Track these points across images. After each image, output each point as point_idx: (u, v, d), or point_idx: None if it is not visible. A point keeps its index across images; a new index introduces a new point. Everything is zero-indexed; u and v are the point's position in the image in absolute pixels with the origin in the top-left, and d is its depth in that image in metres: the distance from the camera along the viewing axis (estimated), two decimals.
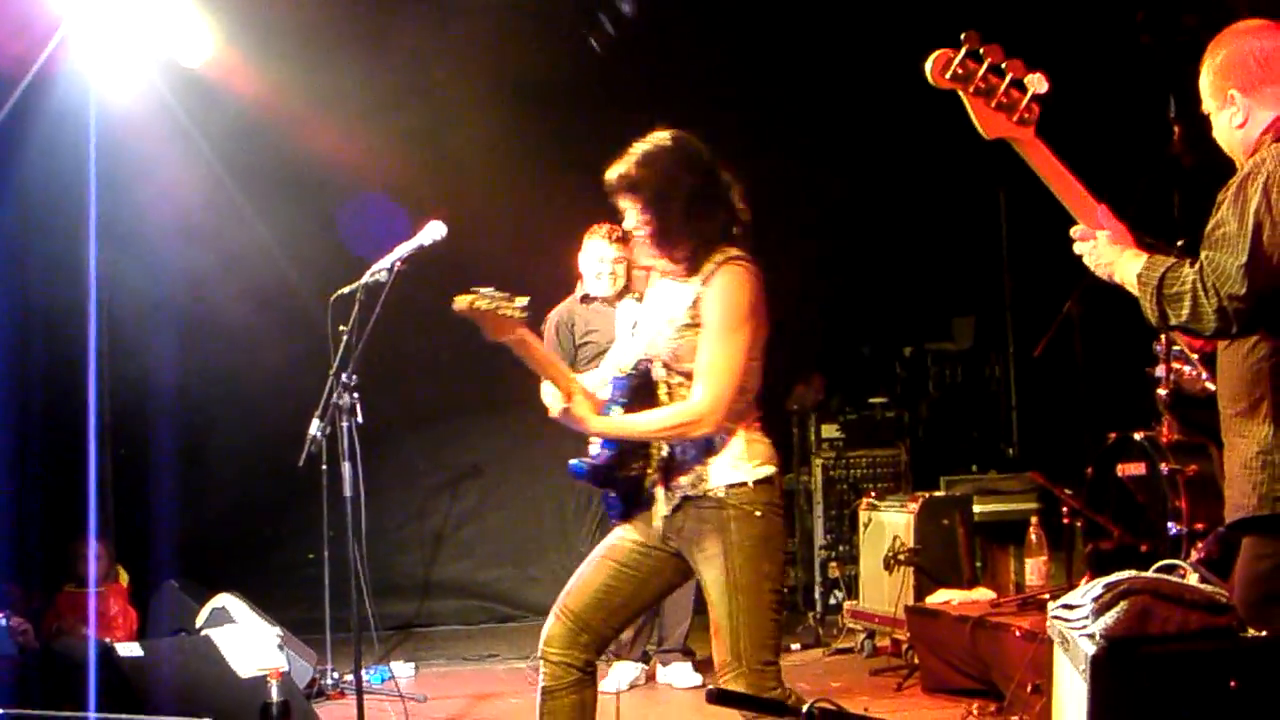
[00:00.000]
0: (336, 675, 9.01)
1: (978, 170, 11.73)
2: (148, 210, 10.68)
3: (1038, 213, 10.82)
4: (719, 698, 3.19)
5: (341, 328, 6.94)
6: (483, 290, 4.85)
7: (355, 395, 6.88)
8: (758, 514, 5.04)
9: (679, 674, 8.87)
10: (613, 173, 5.17)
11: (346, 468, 6.99)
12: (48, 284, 10.08)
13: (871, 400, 11.48)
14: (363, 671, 7.26)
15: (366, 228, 10.00)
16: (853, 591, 10.07)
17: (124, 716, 5.16)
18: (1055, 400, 11.01)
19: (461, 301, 4.83)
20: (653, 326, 5.26)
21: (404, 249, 5.60)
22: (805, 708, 3.09)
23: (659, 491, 5.18)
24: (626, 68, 11.36)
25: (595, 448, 5.28)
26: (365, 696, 7.01)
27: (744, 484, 5.05)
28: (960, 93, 4.27)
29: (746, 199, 5.25)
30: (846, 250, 12.14)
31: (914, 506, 9.33)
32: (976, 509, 9.81)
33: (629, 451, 5.20)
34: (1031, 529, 8.61)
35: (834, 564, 10.68)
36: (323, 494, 8.48)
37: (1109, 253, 4.50)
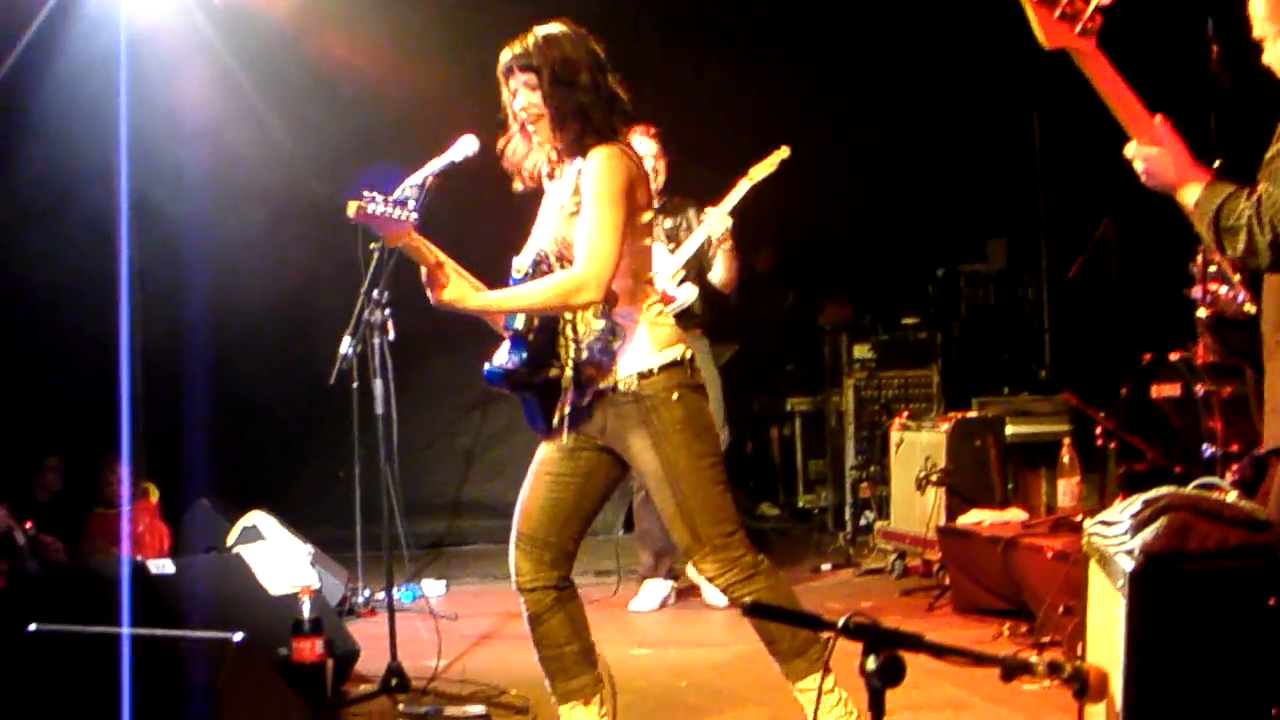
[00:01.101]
0: (368, 593, 9.04)
1: (1012, 91, 11.68)
2: (177, 129, 10.67)
3: (1072, 134, 10.82)
4: (754, 610, 3.17)
5: (372, 245, 6.90)
6: (371, 195, 4.92)
7: (387, 312, 6.85)
8: (674, 397, 5.09)
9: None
10: (510, 52, 5.21)
11: (378, 385, 6.96)
12: (78, 203, 10.08)
13: (904, 321, 11.44)
14: (394, 589, 7.26)
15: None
16: (883, 512, 10.05)
17: (157, 631, 5.16)
18: (1089, 322, 10.95)
19: (351, 207, 4.89)
20: (544, 220, 5.33)
21: (436, 164, 5.50)
22: (841, 621, 3.07)
23: (572, 389, 5.16)
24: None
25: (502, 352, 5.24)
26: (396, 614, 7.02)
27: (651, 370, 5.09)
28: (1023, 2, 4.18)
29: (627, 88, 5.28)
30: (880, 171, 12.08)
31: (946, 427, 9.31)
32: (1009, 430, 9.77)
33: (541, 355, 5.17)
34: (1064, 450, 8.57)
35: (865, 484, 10.66)
36: (353, 412, 8.47)
37: (1166, 170, 4.40)
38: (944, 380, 11.32)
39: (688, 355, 5.17)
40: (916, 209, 12.16)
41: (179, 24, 10.52)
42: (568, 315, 5.14)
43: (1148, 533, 3.75)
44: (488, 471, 11.97)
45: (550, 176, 5.35)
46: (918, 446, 9.44)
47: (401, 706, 6.49)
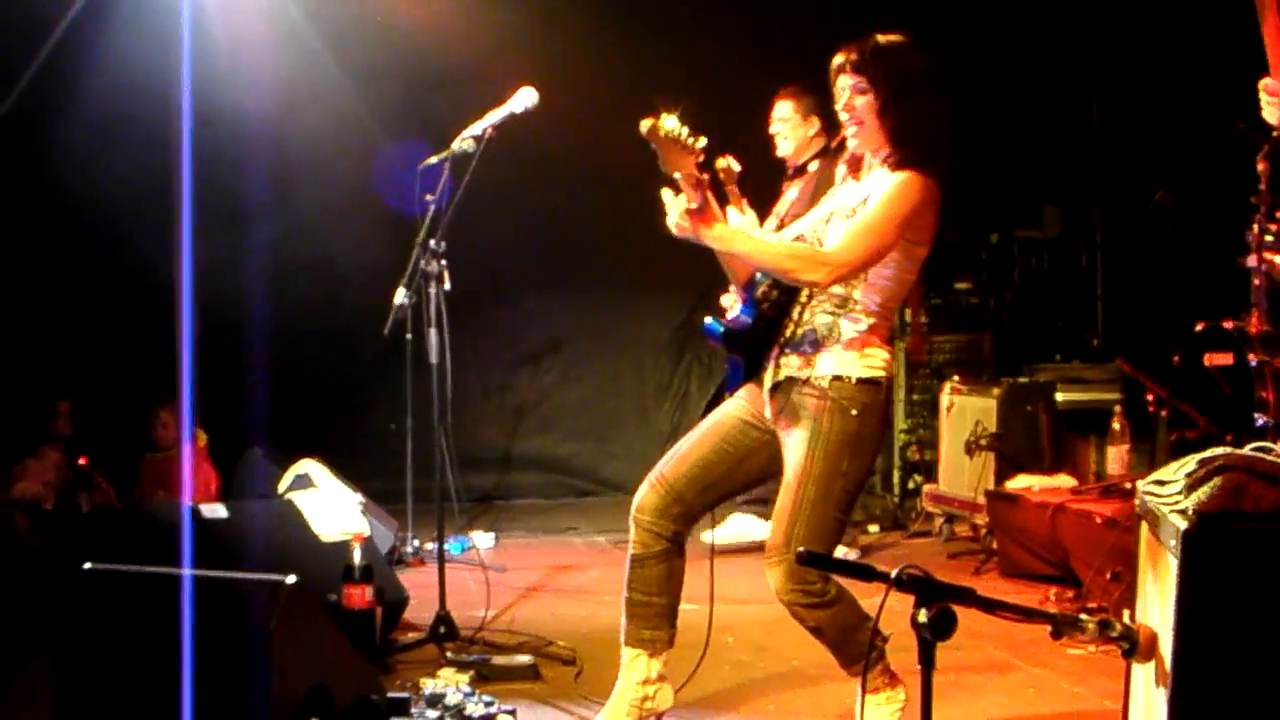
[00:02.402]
0: (417, 543, 9.09)
1: (1070, 58, 11.63)
2: (239, 78, 10.70)
3: (1130, 102, 10.77)
4: (809, 559, 3.20)
5: (428, 196, 6.92)
6: (668, 115, 4.83)
7: (443, 263, 6.88)
8: (854, 412, 5.08)
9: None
10: (845, 55, 5.17)
11: (433, 334, 6.99)
12: (139, 152, 10.13)
13: (956, 285, 11.41)
14: (444, 540, 7.31)
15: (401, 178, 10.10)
16: (932, 475, 10.05)
17: (210, 572, 5.21)
18: (1142, 290, 10.92)
19: (645, 124, 4.81)
20: (820, 213, 5.31)
21: (494, 116, 5.56)
22: (894, 573, 3.10)
23: (771, 365, 5.22)
24: None
25: (734, 312, 5.31)
26: (445, 565, 7.07)
27: (849, 379, 5.09)
28: None
29: (951, 125, 5.27)
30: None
31: (997, 392, 9.31)
32: (1059, 397, 9.76)
33: (765, 325, 5.24)
34: (1115, 417, 8.58)
35: (914, 447, 10.67)
36: (407, 363, 8.50)
37: None
38: (996, 345, 11.29)
39: (887, 381, 5.18)
40: (971, 175, 12.11)
41: None
42: (801, 298, 5.21)
43: (1201, 492, 3.75)
44: (539, 426, 12.01)
45: (852, 176, 5.34)
46: (968, 411, 9.44)
47: (449, 654, 6.55)
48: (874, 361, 5.14)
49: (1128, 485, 7.82)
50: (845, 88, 5.16)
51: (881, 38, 5.17)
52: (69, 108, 10.30)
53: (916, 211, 5.05)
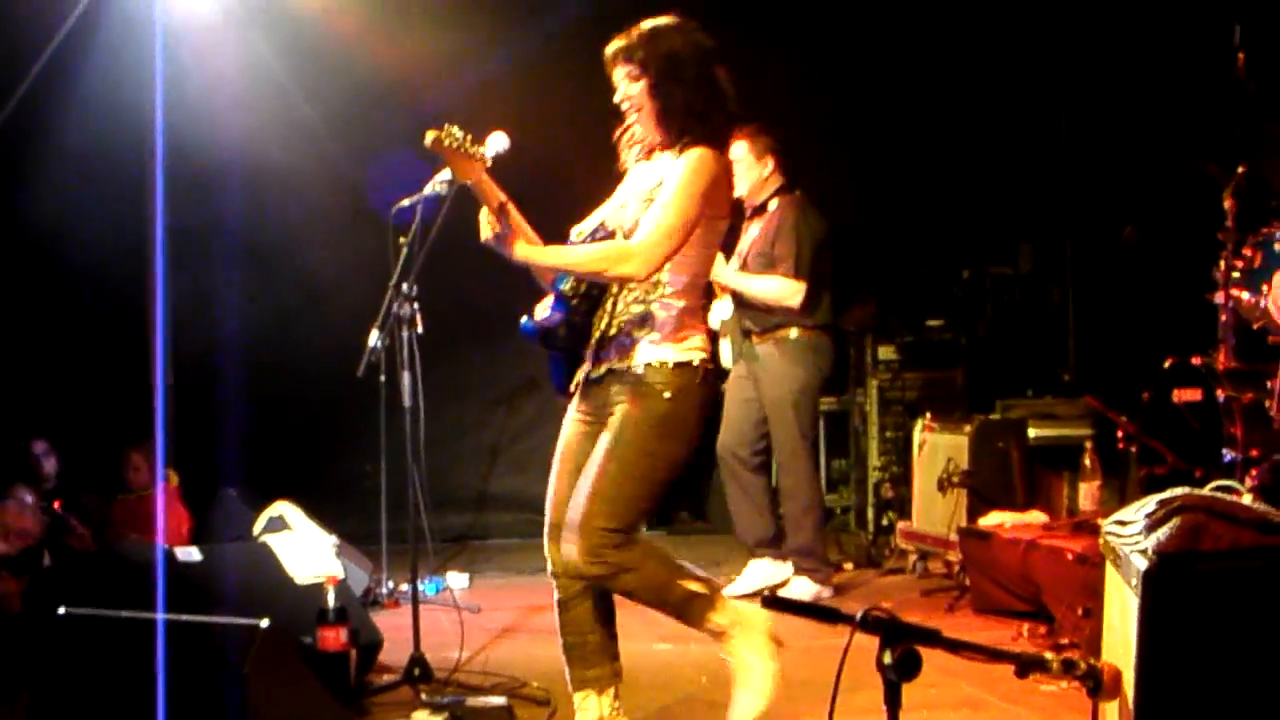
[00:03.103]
0: (391, 585, 9.09)
1: (1040, 95, 11.70)
2: (211, 116, 10.74)
3: (1099, 139, 10.84)
4: (773, 603, 3.23)
5: (401, 239, 6.96)
6: (450, 128, 5.01)
7: (415, 306, 6.91)
8: (666, 394, 5.15)
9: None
10: (618, 44, 5.27)
11: (406, 377, 7.02)
12: (113, 197, 10.16)
13: (929, 322, 11.46)
14: (418, 581, 7.32)
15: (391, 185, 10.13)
16: (905, 512, 10.07)
17: (184, 616, 5.23)
18: (1112, 326, 10.98)
19: (429, 136, 4.97)
20: (620, 199, 5.41)
21: None
22: (859, 615, 3.13)
23: (590, 361, 5.33)
24: None
25: (545, 310, 5.35)
26: (420, 606, 7.08)
27: (664, 363, 5.17)
28: None
29: (739, 93, 5.35)
30: (906, 174, 12.12)
31: (969, 429, 9.33)
32: (1031, 433, 9.79)
33: (578, 320, 5.30)
34: (1086, 454, 8.61)
35: (887, 485, 10.69)
36: (380, 405, 8.52)
37: None
38: (968, 382, 11.34)
39: (704, 364, 5.24)
40: (942, 212, 12.18)
41: (214, 8, 10.62)
42: (612, 290, 5.28)
43: (1161, 532, 3.80)
44: (513, 466, 12.01)
45: (644, 159, 5.42)
46: (941, 448, 9.47)
47: (424, 696, 6.53)
48: (690, 344, 5.22)
49: (1099, 521, 7.85)
50: (621, 77, 5.27)
51: (650, 23, 5.27)
52: (44, 142, 10.34)
53: (714, 185, 5.15)
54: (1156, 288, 9.71)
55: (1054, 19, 11.44)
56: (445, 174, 5.62)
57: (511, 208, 5.19)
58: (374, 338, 7.33)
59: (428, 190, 6.73)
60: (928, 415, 9.98)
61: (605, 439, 5.19)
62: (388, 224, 7.00)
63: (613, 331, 5.25)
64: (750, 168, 8.63)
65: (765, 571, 8.98)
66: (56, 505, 8.82)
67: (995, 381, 11.34)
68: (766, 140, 8.68)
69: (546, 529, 5.46)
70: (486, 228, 5.15)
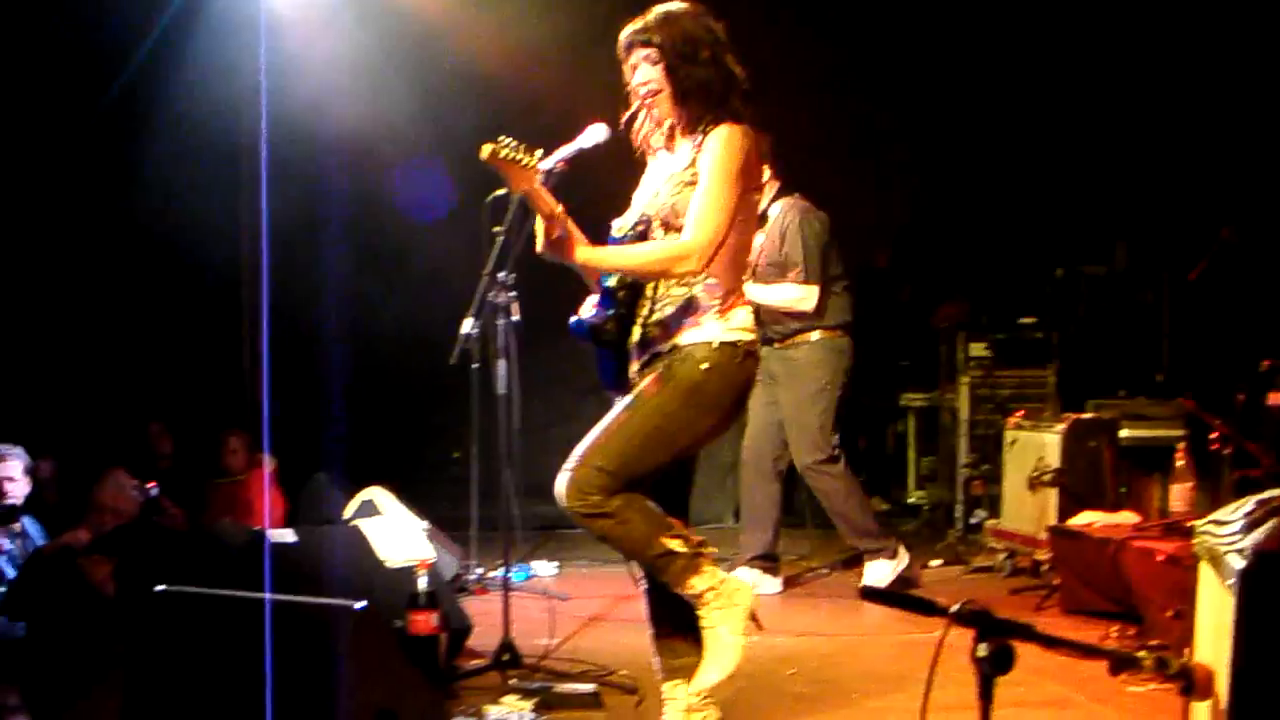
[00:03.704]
0: (480, 571, 9.15)
1: (1138, 95, 11.63)
2: (315, 110, 10.83)
3: (1197, 136, 10.77)
4: (871, 595, 3.24)
5: (496, 228, 6.98)
6: (505, 140, 5.04)
7: (513, 294, 6.93)
8: (703, 365, 5.18)
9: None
10: (632, 29, 5.31)
11: (501, 365, 7.05)
12: (216, 186, 10.27)
13: (1021, 320, 11.40)
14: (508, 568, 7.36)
15: (418, 193, 10.20)
16: (995, 510, 10.05)
17: (279, 596, 5.27)
18: (1208, 327, 10.89)
19: (485, 150, 5.00)
20: (652, 187, 5.41)
21: (565, 151, 5.58)
22: (955, 608, 3.13)
23: (636, 348, 5.36)
24: None
25: (592, 308, 5.43)
26: (510, 593, 7.13)
27: (708, 342, 5.20)
28: None
29: (749, 71, 5.36)
30: (999, 170, 12.09)
31: (1061, 427, 9.28)
32: (1123, 433, 9.73)
33: (626, 313, 5.33)
34: (1179, 455, 8.54)
35: (977, 482, 10.63)
36: (472, 393, 8.56)
37: None
38: (1060, 381, 11.29)
39: (746, 345, 5.27)
40: (1036, 210, 12.13)
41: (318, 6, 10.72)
42: None
43: (1259, 532, 3.79)
44: None
45: (666, 148, 5.43)
46: (1031, 446, 9.43)
47: (513, 681, 6.57)
48: (736, 325, 5.25)
49: (1190, 523, 7.79)
50: (638, 61, 5.30)
51: (663, 7, 5.32)
52: (149, 133, 10.46)
53: (745, 160, 5.18)
54: (1253, 289, 9.62)
55: (1154, 12, 11.36)
56: (543, 164, 5.62)
57: (563, 214, 5.23)
58: (467, 325, 7.37)
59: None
60: (1019, 413, 9.94)
61: (628, 397, 5.27)
62: (484, 212, 7.04)
63: (655, 317, 5.27)
64: None
65: (748, 581, 9.00)
66: (152, 486, 8.89)
67: (1087, 381, 11.28)
68: (763, 144, 8.71)
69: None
70: (541, 237, 5.24)
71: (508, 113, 10.82)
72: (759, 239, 8.64)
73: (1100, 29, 11.54)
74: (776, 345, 8.85)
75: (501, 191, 6.86)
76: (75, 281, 10.82)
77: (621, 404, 5.28)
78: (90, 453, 9.41)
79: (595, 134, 5.45)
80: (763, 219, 8.70)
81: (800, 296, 8.76)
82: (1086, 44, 11.63)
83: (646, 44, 5.25)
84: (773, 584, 8.99)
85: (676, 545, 5.24)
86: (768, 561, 9.03)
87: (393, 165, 10.99)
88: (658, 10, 5.32)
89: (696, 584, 5.28)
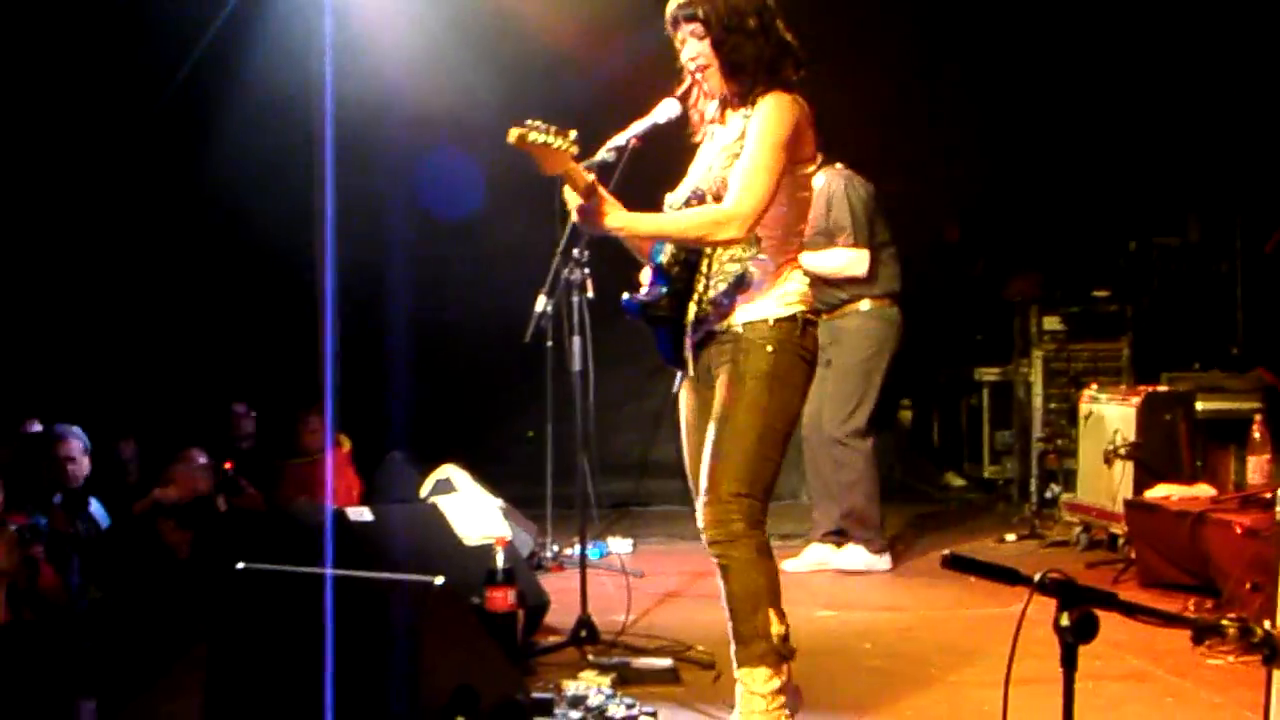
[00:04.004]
0: (556, 549, 9.19)
1: (1212, 65, 11.55)
2: (381, 88, 10.87)
3: (1270, 107, 10.70)
4: (954, 562, 3.24)
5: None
6: (533, 123, 4.94)
7: (586, 270, 6.94)
8: (769, 349, 5.12)
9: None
10: (677, 2, 5.23)
11: (576, 342, 7.06)
12: (284, 161, 10.32)
13: (1094, 293, 11.36)
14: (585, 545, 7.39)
15: (443, 183, 10.21)
16: (1070, 484, 10.02)
17: (359, 573, 5.32)
18: None
19: (513, 134, 4.92)
20: (706, 161, 5.35)
21: (638, 127, 5.57)
22: (1038, 576, 3.14)
23: (692, 324, 5.26)
24: None
25: (646, 284, 5.36)
26: (586, 570, 7.16)
27: (764, 320, 5.14)
28: None
29: (798, 38, 5.27)
30: (1072, 143, 12.04)
31: (1136, 400, 9.22)
32: (1199, 406, 9.66)
33: (680, 290, 5.25)
34: (1255, 426, 8.52)
35: (1052, 456, 10.59)
36: (547, 370, 8.59)
37: None
38: (1134, 354, 11.23)
39: (803, 316, 5.19)
40: (1109, 182, 12.08)
41: None
42: (707, 252, 5.21)
43: None
44: (676, 433, 11.93)
45: (719, 121, 5.38)
46: (1106, 419, 9.39)
47: (590, 657, 6.61)
48: (791, 298, 5.18)
49: (1268, 495, 7.76)
50: (685, 36, 5.24)
51: None
52: (217, 116, 10.54)
53: (794, 131, 5.10)
54: None
55: None
56: (616, 140, 5.62)
57: (599, 187, 5.18)
58: (541, 302, 7.40)
59: (598, 157, 6.77)
60: (1094, 386, 9.90)
61: (717, 405, 5.18)
62: (556, 189, 7.06)
63: (710, 294, 5.20)
64: None
65: (821, 556, 9.01)
66: (228, 466, 8.96)
67: (1162, 353, 11.22)
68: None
69: (697, 504, 5.37)
70: (573, 209, 5.19)
71: (578, 90, 10.84)
72: None
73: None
74: (825, 316, 8.84)
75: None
76: (156, 268, 10.92)
77: (714, 417, 5.17)
78: (172, 433, 9.47)
79: (668, 109, 5.44)
80: None
81: (852, 259, 8.76)
82: (1159, 13, 11.55)
83: (692, 18, 5.19)
84: (843, 557, 8.98)
85: (775, 629, 5.16)
86: (839, 536, 9.03)
87: (461, 144, 10.99)
88: None
89: (758, 677, 5.17)
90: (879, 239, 8.92)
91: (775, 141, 5.05)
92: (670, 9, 5.26)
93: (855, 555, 8.97)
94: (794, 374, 5.19)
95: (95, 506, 8.29)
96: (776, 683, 5.16)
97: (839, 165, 8.93)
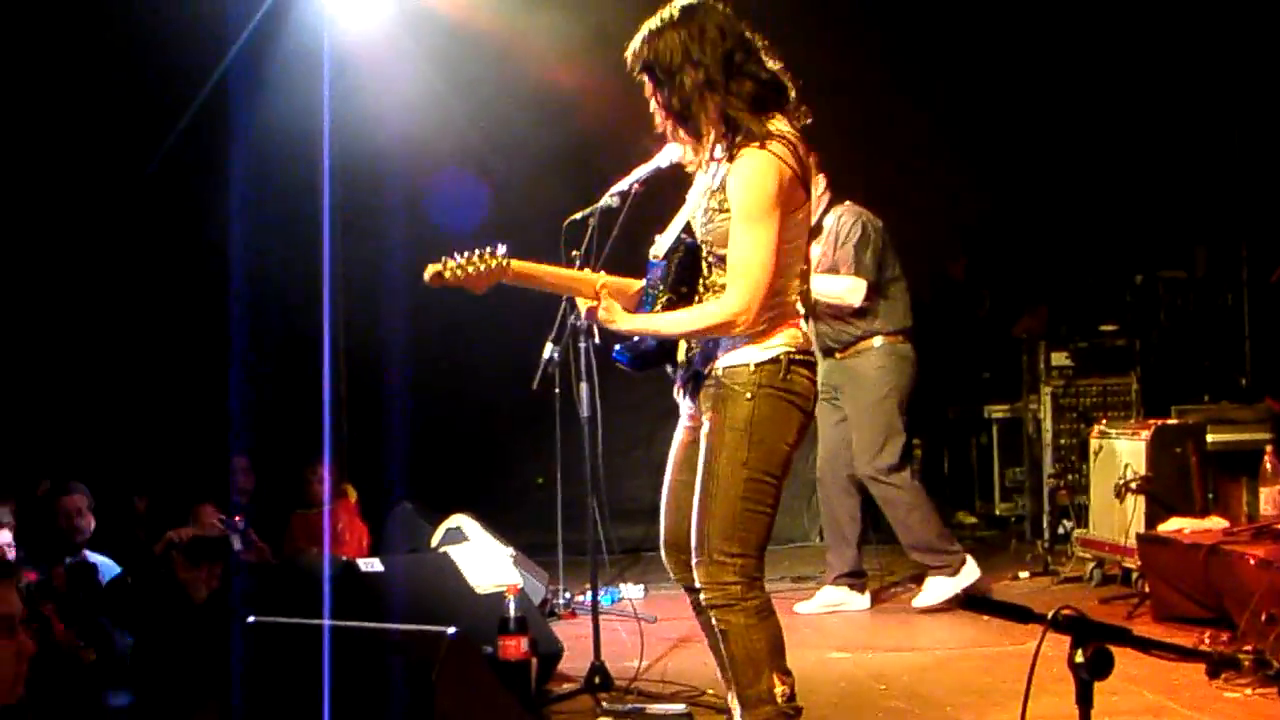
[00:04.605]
0: (568, 595, 9.17)
1: (1213, 97, 11.58)
2: (379, 138, 10.92)
3: (1274, 139, 10.71)
4: (972, 604, 3.24)
5: (574, 253, 6.98)
6: (448, 260, 4.83)
7: None
8: (747, 396, 4.90)
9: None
10: (627, 53, 5.01)
11: (584, 388, 7.07)
12: (283, 212, 10.36)
13: (1101, 328, 11.36)
14: (597, 592, 7.37)
15: (451, 202, 10.22)
16: (1082, 520, 9.99)
17: (371, 624, 5.31)
18: None
19: (430, 273, 4.83)
20: (692, 200, 5.17)
21: (641, 172, 5.57)
22: (1051, 614, 3.13)
23: (680, 371, 5.15)
24: None
25: (635, 338, 5.25)
26: (599, 616, 7.14)
27: (745, 365, 4.93)
28: None
29: (783, 62, 4.99)
30: (1076, 177, 12.06)
31: (1146, 434, 9.20)
32: (1209, 438, 9.64)
33: (668, 341, 5.13)
34: (1266, 457, 8.50)
35: (1063, 492, 10.55)
36: (555, 417, 8.58)
37: None
38: (1143, 388, 11.22)
39: (789, 355, 4.96)
40: (1114, 216, 12.10)
41: (383, 36, 10.78)
42: (699, 292, 5.06)
43: None
44: None
45: (704, 165, 5.13)
46: (1117, 454, 9.37)
47: (605, 704, 6.59)
48: (774, 341, 4.95)
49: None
50: (646, 87, 5.02)
51: (654, 19, 4.94)
52: (220, 166, 10.58)
53: (777, 186, 4.82)
54: None
55: (1232, 14, 11.31)
56: (619, 185, 5.61)
57: (596, 276, 5.15)
58: (549, 349, 7.40)
59: (602, 202, 6.77)
60: (1103, 421, 9.89)
61: (703, 451, 5.00)
62: (560, 238, 7.06)
63: (698, 343, 5.07)
64: None
65: (836, 599, 8.98)
66: (239, 520, 8.95)
67: (1171, 387, 11.22)
68: (814, 159, 8.66)
69: (661, 540, 5.34)
70: (584, 311, 5.17)
71: (582, 135, 10.88)
72: (814, 251, 8.58)
73: (1177, 32, 11.50)
74: (839, 356, 8.84)
75: (578, 215, 6.91)
76: (156, 321, 10.93)
77: (700, 468, 4.99)
78: (177, 489, 9.47)
79: (671, 153, 5.40)
80: (816, 230, 8.64)
81: (849, 286, 8.71)
82: (1162, 48, 11.59)
83: (641, 69, 4.98)
84: (861, 601, 8.97)
85: (780, 691, 4.99)
86: (854, 579, 9.01)
87: (462, 191, 11.03)
88: (647, 25, 4.96)
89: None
90: (890, 274, 8.91)
91: (760, 209, 4.81)
92: (627, 53, 5.04)
93: (938, 588, 8.74)
94: (776, 419, 4.96)
95: (103, 563, 8.28)
96: None
97: (848, 203, 8.92)
